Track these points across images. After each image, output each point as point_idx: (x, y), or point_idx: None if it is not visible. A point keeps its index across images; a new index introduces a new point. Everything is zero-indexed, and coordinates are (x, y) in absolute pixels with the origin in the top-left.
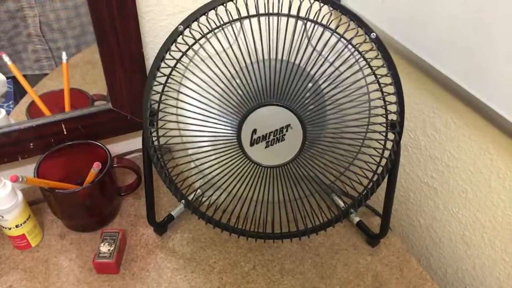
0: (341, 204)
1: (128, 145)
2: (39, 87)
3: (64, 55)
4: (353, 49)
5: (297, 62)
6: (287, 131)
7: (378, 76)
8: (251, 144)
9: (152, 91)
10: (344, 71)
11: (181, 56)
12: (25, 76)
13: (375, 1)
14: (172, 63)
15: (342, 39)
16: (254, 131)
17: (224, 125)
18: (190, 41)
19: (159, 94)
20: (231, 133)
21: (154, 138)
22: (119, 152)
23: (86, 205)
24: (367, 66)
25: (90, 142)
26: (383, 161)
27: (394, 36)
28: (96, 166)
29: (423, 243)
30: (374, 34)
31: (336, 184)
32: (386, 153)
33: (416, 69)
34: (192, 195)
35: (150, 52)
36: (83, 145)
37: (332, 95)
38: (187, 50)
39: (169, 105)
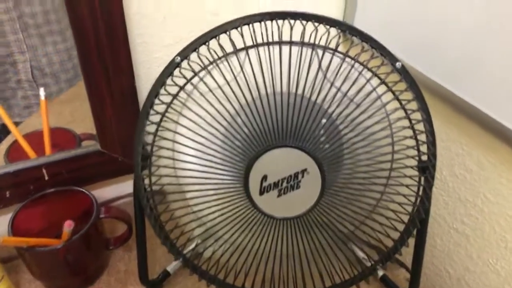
0: (363, 255)
1: (118, 188)
2: (22, 126)
3: (41, 91)
4: (377, 82)
5: (313, 98)
6: (302, 176)
7: (409, 112)
8: (261, 193)
9: (144, 132)
10: (367, 108)
11: (178, 91)
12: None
13: (384, 23)
14: (167, 99)
15: (364, 71)
16: (264, 177)
17: (229, 171)
18: (188, 74)
19: (153, 136)
20: (236, 180)
21: (147, 186)
22: (108, 197)
23: (68, 263)
24: (395, 98)
25: (74, 189)
26: (414, 209)
27: (410, 63)
28: (68, 226)
29: None
30: (400, 63)
31: (358, 236)
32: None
33: (440, 101)
34: (190, 252)
35: (144, 85)
36: (66, 192)
37: (355, 135)
38: (185, 84)
39: (165, 147)
